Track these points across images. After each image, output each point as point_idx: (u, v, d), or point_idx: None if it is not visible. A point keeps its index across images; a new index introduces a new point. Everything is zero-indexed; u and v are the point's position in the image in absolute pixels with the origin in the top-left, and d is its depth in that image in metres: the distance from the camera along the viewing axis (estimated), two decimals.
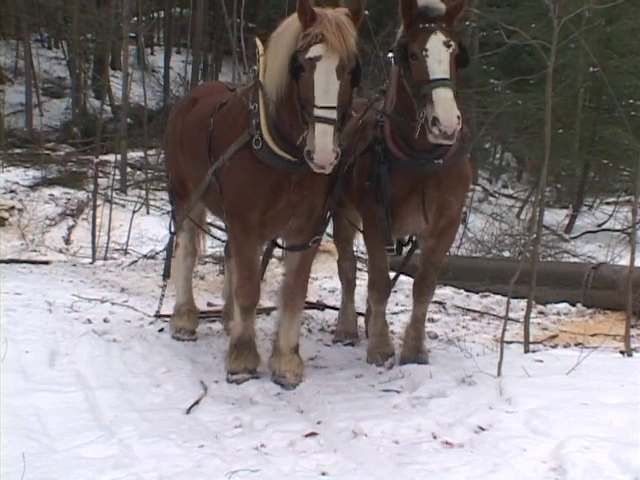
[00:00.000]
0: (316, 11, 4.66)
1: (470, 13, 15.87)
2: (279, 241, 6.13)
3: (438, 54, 4.71)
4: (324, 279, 9.62)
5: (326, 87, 4.54)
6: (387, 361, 5.79)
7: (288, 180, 5.04)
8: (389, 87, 5.47)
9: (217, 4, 19.97)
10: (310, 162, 4.50)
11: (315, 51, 4.58)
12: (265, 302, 7.69)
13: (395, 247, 5.94)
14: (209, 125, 5.65)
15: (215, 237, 7.06)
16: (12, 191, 17.19)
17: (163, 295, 6.90)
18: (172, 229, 6.59)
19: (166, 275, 6.68)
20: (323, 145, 4.43)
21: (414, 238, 6.22)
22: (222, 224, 6.39)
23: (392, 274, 7.06)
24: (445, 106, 4.55)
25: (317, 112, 4.50)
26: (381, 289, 5.91)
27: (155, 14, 31.93)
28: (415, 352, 5.75)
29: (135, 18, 25.12)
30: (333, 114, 4.50)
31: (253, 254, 5.45)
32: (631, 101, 19.58)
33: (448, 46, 4.74)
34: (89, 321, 6.90)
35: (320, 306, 7.99)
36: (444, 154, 5.19)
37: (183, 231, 6.75)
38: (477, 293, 8.86)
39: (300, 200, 5.17)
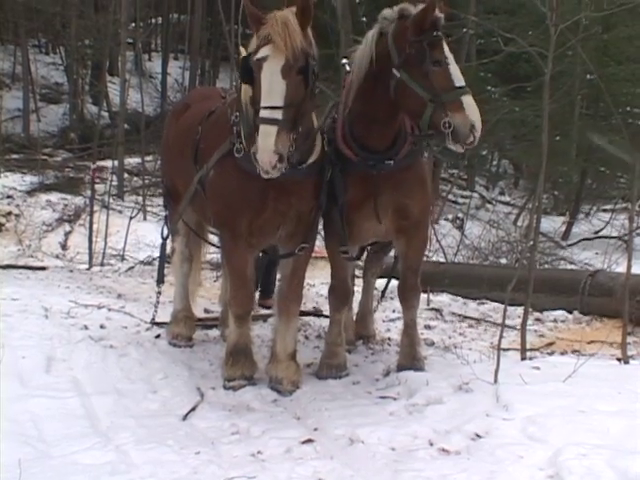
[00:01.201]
0: (269, 14, 4.62)
1: (468, 20, 15.92)
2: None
3: (454, 62, 4.79)
4: (321, 285, 9.62)
5: (270, 86, 4.49)
6: (335, 374, 5.77)
7: (272, 188, 4.97)
8: (344, 92, 5.50)
9: (215, 10, 20.05)
10: (257, 165, 4.44)
11: (262, 52, 4.56)
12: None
13: (356, 253, 5.98)
14: (197, 133, 5.67)
15: (212, 244, 7.05)
16: (9, 196, 17.23)
17: (158, 302, 6.86)
18: (164, 235, 6.57)
19: (160, 281, 6.64)
20: (264, 146, 4.35)
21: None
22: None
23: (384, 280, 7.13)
24: (477, 114, 4.64)
25: (261, 113, 4.46)
26: (340, 296, 5.91)
27: (153, 20, 32.00)
28: (411, 359, 5.75)
29: (133, 24, 25.13)
30: (277, 114, 4.43)
31: (244, 263, 5.42)
32: (628, 108, 19.61)
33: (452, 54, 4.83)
34: (86, 327, 6.88)
35: (317, 314, 7.99)
36: (395, 155, 5.23)
37: (179, 236, 6.75)
38: (474, 300, 8.86)
39: (287, 208, 5.15)
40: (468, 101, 4.65)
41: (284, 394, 5.35)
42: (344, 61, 5.74)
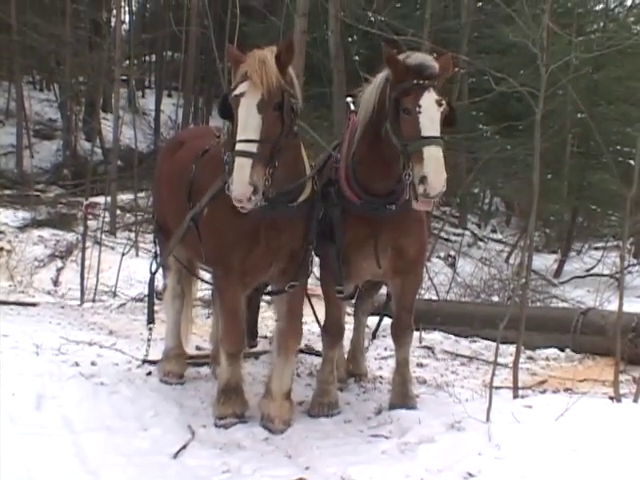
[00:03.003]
0: (249, 53, 4.74)
1: (459, 60, 16.06)
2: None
3: (431, 112, 4.70)
4: (312, 323, 9.57)
5: (245, 121, 4.58)
6: (327, 412, 5.76)
7: (264, 225, 5.05)
8: (347, 132, 5.56)
9: (208, 48, 20.16)
10: (231, 196, 4.50)
11: (240, 88, 4.65)
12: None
13: (350, 292, 5.98)
14: (191, 171, 5.72)
15: (204, 280, 7.04)
16: (1, 232, 17.19)
17: (150, 340, 6.79)
18: (152, 270, 6.53)
19: (150, 321, 6.57)
20: (239, 178, 4.42)
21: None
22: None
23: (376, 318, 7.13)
24: (435, 166, 4.52)
25: (237, 146, 4.53)
26: (333, 334, 5.94)
27: (147, 58, 32.24)
28: (403, 397, 5.74)
29: (127, 62, 25.30)
30: (251, 147, 4.49)
31: (236, 300, 5.45)
32: (618, 147, 19.82)
33: (440, 105, 4.76)
34: (77, 364, 6.85)
35: (308, 352, 7.95)
36: (397, 200, 5.22)
37: (170, 272, 6.75)
38: (466, 338, 8.85)
39: (279, 245, 5.21)
40: (429, 152, 4.55)
41: (275, 433, 5.33)
42: (348, 99, 5.78)
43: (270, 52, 4.72)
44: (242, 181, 4.41)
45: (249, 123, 4.57)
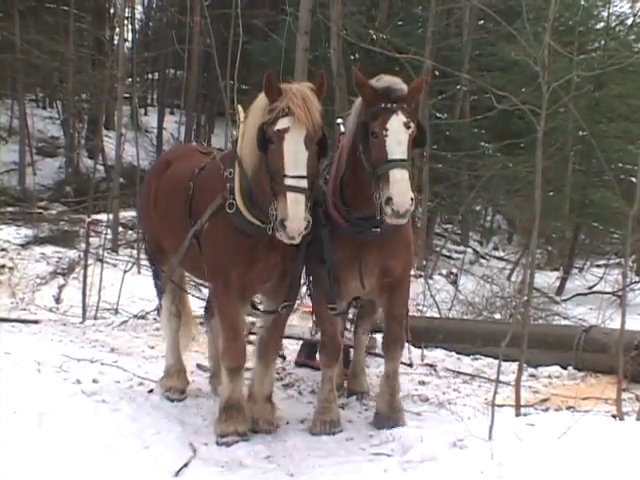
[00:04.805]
0: (282, 86, 4.87)
1: (461, 78, 16.10)
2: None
3: (398, 135, 4.83)
4: None
5: (296, 157, 4.71)
6: (329, 429, 5.76)
7: (262, 244, 5.14)
8: (337, 154, 5.62)
9: (211, 66, 20.23)
10: (282, 231, 4.62)
11: (283, 123, 4.76)
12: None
13: (343, 308, 6.03)
14: (189, 188, 5.78)
15: (196, 296, 7.11)
16: (3, 249, 17.15)
17: None
18: (158, 290, 6.65)
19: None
20: (295, 213, 4.57)
21: None
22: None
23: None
24: (400, 187, 4.67)
25: (288, 181, 4.65)
26: (330, 353, 5.92)
27: (149, 75, 32.31)
28: (389, 409, 5.81)
29: (130, 79, 25.36)
30: (303, 183, 4.65)
31: (236, 314, 5.57)
32: (620, 165, 19.81)
33: (408, 127, 4.87)
34: (78, 381, 6.84)
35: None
36: (382, 222, 5.22)
37: (164, 292, 6.79)
38: (468, 356, 8.82)
39: (275, 264, 5.35)
40: (395, 174, 4.71)
41: (260, 433, 5.64)
42: (339, 121, 5.83)
43: (308, 89, 4.90)
44: (299, 217, 4.58)
45: (299, 158, 4.72)
